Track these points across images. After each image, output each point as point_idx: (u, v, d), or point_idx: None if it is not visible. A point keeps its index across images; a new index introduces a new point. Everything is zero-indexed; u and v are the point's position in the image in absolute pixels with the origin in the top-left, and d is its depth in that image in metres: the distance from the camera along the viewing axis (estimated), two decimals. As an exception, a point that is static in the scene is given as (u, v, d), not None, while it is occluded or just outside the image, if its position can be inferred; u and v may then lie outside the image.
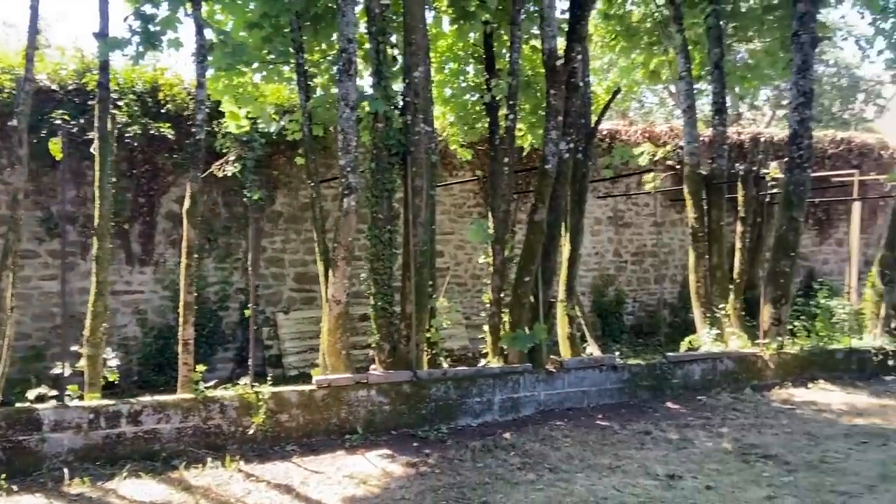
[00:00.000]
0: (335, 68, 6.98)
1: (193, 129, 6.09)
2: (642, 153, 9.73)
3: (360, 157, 7.88)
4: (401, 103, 6.89)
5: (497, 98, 7.79)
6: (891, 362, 9.12)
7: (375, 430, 6.38)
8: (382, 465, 5.63)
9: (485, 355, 7.75)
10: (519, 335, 7.15)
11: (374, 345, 6.97)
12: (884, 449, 5.94)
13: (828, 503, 4.73)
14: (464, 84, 8.31)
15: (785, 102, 23.26)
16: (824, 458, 5.69)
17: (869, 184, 12.84)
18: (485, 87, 7.86)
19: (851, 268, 11.05)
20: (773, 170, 9.68)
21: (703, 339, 9.30)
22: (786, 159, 9.00)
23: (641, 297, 12.13)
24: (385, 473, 5.44)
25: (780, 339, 8.73)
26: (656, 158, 9.83)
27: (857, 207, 11.09)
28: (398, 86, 7.04)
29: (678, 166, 10.61)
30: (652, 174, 9.32)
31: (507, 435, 6.39)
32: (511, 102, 7.19)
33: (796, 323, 9.62)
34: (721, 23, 9.58)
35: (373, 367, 6.94)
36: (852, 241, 11.11)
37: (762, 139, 12.79)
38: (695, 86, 10.59)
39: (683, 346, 9.04)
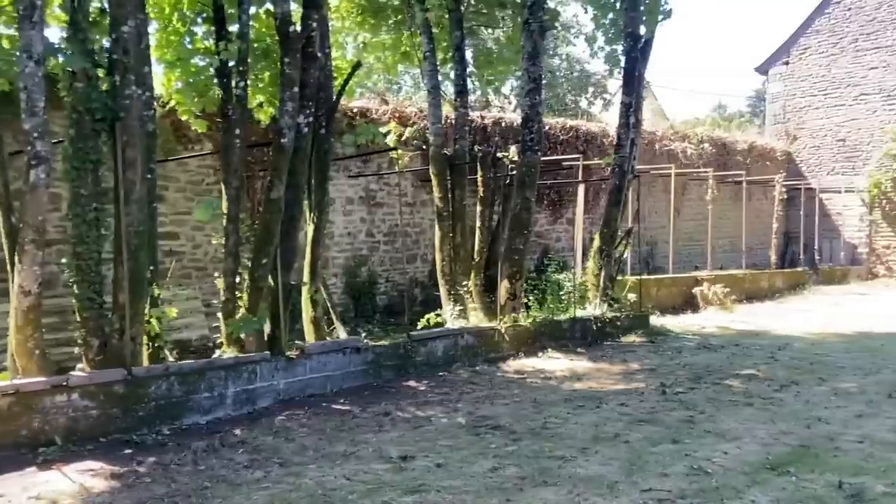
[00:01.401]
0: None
1: None
2: (389, 132, 9.67)
3: (59, 122, 6.80)
4: (107, 62, 5.97)
5: (230, 64, 7.13)
6: (608, 329, 10.15)
7: (79, 439, 5.50)
8: (82, 480, 4.83)
9: (221, 345, 7.14)
10: (245, 319, 6.68)
11: (80, 341, 6.03)
12: (597, 411, 6.46)
13: (545, 469, 4.96)
14: (191, 46, 7.50)
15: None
16: (546, 425, 6.03)
17: (594, 168, 14.18)
18: (215, 51, 7.14)
19: (577, 244, 12.12)
20: (512, 152, 10.19)
21: (447, 316, 9.57)
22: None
23: (394, 276, 12.20)
24: (83, 490, 4.67)
25: (515, 312, 9.24)
26: (404, 138, 9.84)
27: (581, 189, 12.17)
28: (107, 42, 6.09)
29: (425, 147, 10.75)
30: (398, 153, 9.31)
31: (238, 431, 5.89)
32: (241, 69, 6.61)
33: (530, 296, 10.29)
34: (461, 7, 9.81)
35: (79, 366, 6.01)
36: (577, 219, 12.19)
37: (503, 123, 13.50)
38: (441, 68, 10.81)
39: (423, 323, 9.21)
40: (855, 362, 8.42)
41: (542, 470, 4.94)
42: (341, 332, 8.23)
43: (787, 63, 21.71)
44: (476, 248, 9.78)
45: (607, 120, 21.55)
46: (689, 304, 13.73)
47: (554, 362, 8.63)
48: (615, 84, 27.08)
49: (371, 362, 7.57)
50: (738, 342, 10.01)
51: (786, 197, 20.72)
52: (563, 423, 6.06)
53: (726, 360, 8.63)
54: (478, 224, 9.71)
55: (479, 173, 9.54)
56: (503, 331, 8.87)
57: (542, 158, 13.74)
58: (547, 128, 14.62)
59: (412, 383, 7.58)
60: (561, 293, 10.73)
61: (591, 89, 25.87)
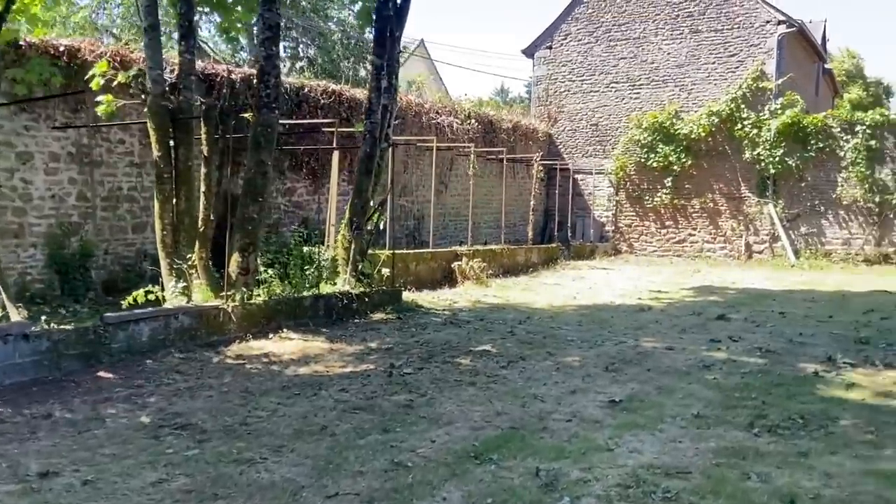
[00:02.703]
0: None
1: None
2: (93, 75, 8.09)
3: None
4: None
5: None
6: (355, 305, 9.54)
7: None
8: None
9: None
10: None
11: None
12: (313, 399, 5.76)
13: (222, 477, 4.14)
14: None
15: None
16: (246, 420, 5.21)
17: (357, 136, 13.47)
18: None
19: (330, 215, 11.38)
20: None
21: (168, 294, 8.34)
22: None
23: (116, 248, 10.54)
24: None
25: (247, 289, 8.27)
26: (116, 83, 8.30)
27: (336, 157, 11.42)
28: None
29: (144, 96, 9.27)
30: (108, 97, 7.79)
31: None
32: None
33: (271, 271, 9.38)
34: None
35: None
36: (332, 189, 11.43)
37: (254, 80, 12.25)
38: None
39: (128, 301, 7.93)
40: (584, 335, 8.61)
41: (217, 479, 4.11)
42: (13, 315, 6.70)
43: (550, 48, 22.73)
44: (201, 215, 8.60)
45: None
46: (448, 279, 13.65)
47: (286, 344, 7.81)
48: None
49: (47, 351, 6.19)
50: (485, 317, 9.94)
51: (545, 176, 21.82)
52: (267, 417, 5.28)
53: (466, 337, 8.40)
54: (202, 189, 8.53)
55: (203, 130, 8.34)
56: (230, 310, 7.86)
57: (300, 122, 12.85)
58: (307, 90, 13.70)
59: (103, 374, 6.33)
60: (308, 268, 9.92)
61: (368, 57, 25.12)
